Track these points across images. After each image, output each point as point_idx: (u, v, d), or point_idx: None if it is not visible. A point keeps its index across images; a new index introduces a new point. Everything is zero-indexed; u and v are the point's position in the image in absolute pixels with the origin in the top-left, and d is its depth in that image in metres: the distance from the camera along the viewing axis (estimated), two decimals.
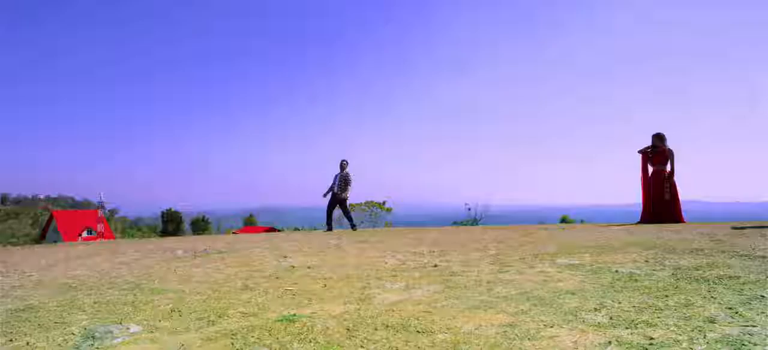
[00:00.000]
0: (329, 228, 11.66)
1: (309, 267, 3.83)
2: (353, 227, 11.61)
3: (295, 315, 2.08)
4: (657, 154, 8.62)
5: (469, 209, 20.28)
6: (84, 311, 2.42)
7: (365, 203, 32.96)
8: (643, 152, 8.89)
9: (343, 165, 11.91)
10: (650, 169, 8.73)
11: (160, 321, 2.14)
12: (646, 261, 3.70)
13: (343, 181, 11.85)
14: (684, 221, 8.14)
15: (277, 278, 3.28)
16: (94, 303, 2.61)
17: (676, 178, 8.45)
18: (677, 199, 8.36)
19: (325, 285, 2.93)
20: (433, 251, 4.94)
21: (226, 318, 2.14)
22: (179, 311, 2.30)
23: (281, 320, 2.02)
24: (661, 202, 8.38)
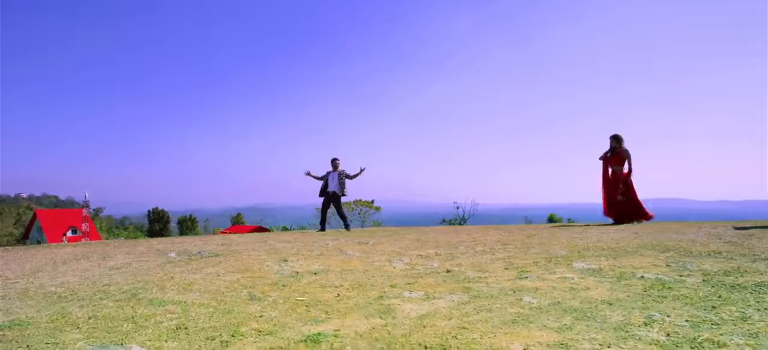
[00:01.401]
0: (323, 228, 11.44)
1: (314, 273, 3.63)
2: (347, 227, 11.40)
3: (319, 334, 1.87)
4: (614, 155, 8.66)
5: (458, 207, 20.12)
6: (78, 327, 2.19)
7: (354, 201, 32.82)
8: (603, 157, 8.87)
9: (336, 164, 11.69)
10: (609, 171, 8.77)
11: (165, 341, 1.92)
12: (668, 265, 3.56)
13: (341, 180, 11.63)
14: (650, 217, 8.19)
15: (283, 286, 3.07)
16: (89, 317, 2.38)
17: (633, 177, 8.49)
18: (634, 198, 8.38)
19: (338, 295, 2.72)
20: (440, 254, 4.76)
21: (240, 337, 1.93)
22: (185, 328, 2.08)
23: (304, 340, 1.81)
24: (616, 203, 8.44)
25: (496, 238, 6.39)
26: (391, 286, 2.97)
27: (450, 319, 2.09)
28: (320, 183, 11.65)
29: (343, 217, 11.69)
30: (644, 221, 8.04)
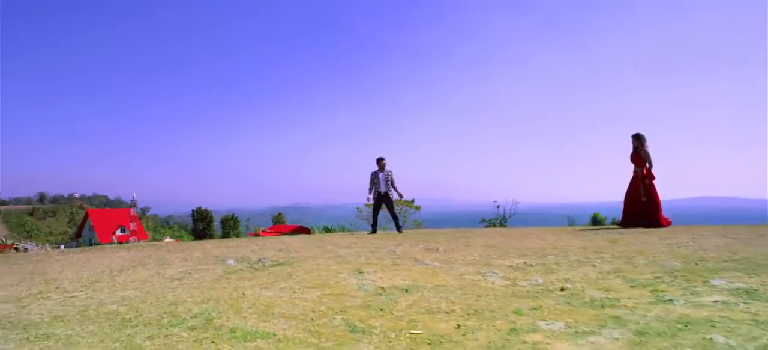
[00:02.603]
0: (374, 230, 10.99)
1: (405, 291, 3.10)
2: (399, 228, 10.89)
3: None
4: (634, 156, 8.38)
5: (498, 206, 19.29)
6: None
7: (395, 201, 32.28)
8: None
9: (382, 164, 11.23)
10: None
11: None
12: None
13: (388, 180, 11.16)
14: (667, 224, 7.80)
15: (380, 310, 2.56)
16: None
17: (655, 180, 8.17)
18: (655, 201, 8.02)
19: (458, 326, 2.19)
20: (532, 265, 4.16)
21: None
22: None
23: None
24: (638, 205, 8.10)
25: (578, 243, 5.71)
26: (515, 313, 2.41)
27: None
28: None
29: (395, 218, 11.20)
30: (656, 228, 7.50)
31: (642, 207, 8.02)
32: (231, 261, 5.03)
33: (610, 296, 2.84)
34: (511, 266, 4.15)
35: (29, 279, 4.53)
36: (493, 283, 3.36)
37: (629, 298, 2.77)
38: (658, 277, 3.43)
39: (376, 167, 11.38)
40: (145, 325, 2.44)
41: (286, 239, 8.85)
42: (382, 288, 3.23)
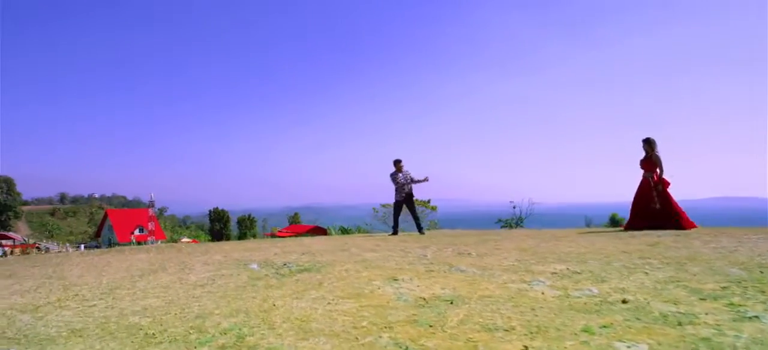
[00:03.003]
0: (395, 231, 10.75)
1: (450, 302, 2.83)
2: (421, 229, 10.63)
3: None
4: (645, 161, 8.24)
5: (514, 207, 18.94)
6: None
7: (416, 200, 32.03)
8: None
9: (400, 166, 11.00)
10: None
11: None
12: None
13: (409, 180, 10.93)
14: (691, 227, 7.51)
15: (429, 327, 2.29)
16: None
17: (669, 187, 7.98)
18: (674, 207, 7.76)
19: (526, 348, 1.91)
20: (577, 272, 3.85)
21: None
22: None
23: None
24: (651, 212, 7.84)
25: (616, 247, 5.36)
26: (585, 331, 2.12)
27: None
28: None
29: (416, 219, 10.95)
30: (683, 230, 7.26)
31: (656, 215, 7.74)
32: (254, 265, 4.81)
33: (681, 310, 2.53)
34: (555, 273, 3.84)
35: (48, 284, 4.37)
36: (543, 293, 3.07)
37: (706, 313, 2.46)
38: (725, 287, 3.11)
39: (393, 169, 11.14)
40: (170, 342, 2.21)
41: (306, 240, 8.64)
42: (424, 299, 2.96)
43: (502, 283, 3.48)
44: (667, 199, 7.83)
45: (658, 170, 8.03)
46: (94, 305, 3.27)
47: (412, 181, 10.91)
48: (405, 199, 10.84)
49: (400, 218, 11.06)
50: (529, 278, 3.64)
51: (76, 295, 3.69)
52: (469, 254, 5.23)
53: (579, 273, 3.82)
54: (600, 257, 4.64)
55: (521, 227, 17.92)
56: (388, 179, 11.08)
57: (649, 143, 8.17)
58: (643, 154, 8.29)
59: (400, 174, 10.91)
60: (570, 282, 3.46)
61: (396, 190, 10.97)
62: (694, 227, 7.53)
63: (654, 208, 7.79)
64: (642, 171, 8.27)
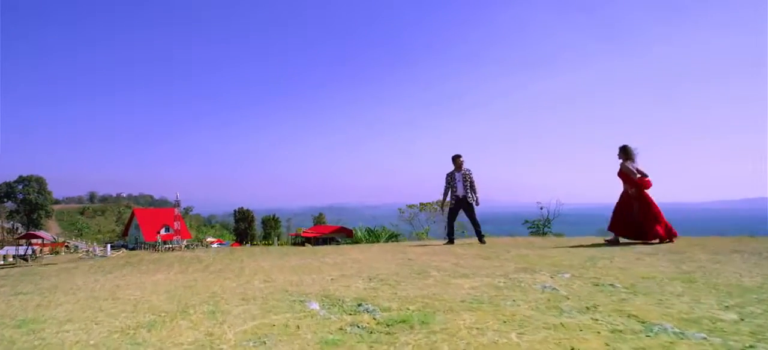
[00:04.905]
0: (451, 240, 9.19)
1: None
2: (482, 238, 9.04)
3: None
4: (619, 173, 7.79)
5: (541, 208, 17.35)
6: None
7: (437, 202, 30.66)
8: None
9: (459, 162, 9.37)
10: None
11: None
12: None
13: (467, 181, 9.31)
14: (669, 237, 7.13)
15: None
16: None
17: (641, 192, 7.47)
18: (652, 215, 7.24)
19: None
20: (707, 304, 2.22)
21: None
22: None
23: None
24: (631, 222, 7.42)
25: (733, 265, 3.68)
26: None
27: None
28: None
29: (476, 225, 9.34)
30: (658, 242, 7.03)
31: (637, 226, 7.33)
32: (315, 305, 3.30)
33: None
34: (691, 304, 2.22)
35: (20, 340, 2.93)
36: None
37: None
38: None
39: (452, 167, 9.54)
40: None
41: (358, 254, 7.06)
42: None
43: (667, 343, 1.88)
44: (645, 208, 7.33)
45: (632, 178, 7.54)
46: None
47: (471, 186, 9.30)
48: (461, 203, 9.25)
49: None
50: (689, 329, 2.03)
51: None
52: (612, 285, 3.62)
53: (701, 304, 2.18)
54: (705, 274, 2.97)
55: (549, 228, 16.43)
56: (442, 179, 9.53)
57: (622, 151, 7.76)
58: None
59: (458, 173, 9.31)
60: (714, 325, 1.84)
61: (447, 191, 9.43)
62: (676, 235, 7.17)
63: (636, 219, 7.34)
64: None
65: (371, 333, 2.59)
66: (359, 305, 3.27)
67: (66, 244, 62.80)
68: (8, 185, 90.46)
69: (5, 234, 76.31)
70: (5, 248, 47.02)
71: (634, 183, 7.52)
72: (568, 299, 3.26)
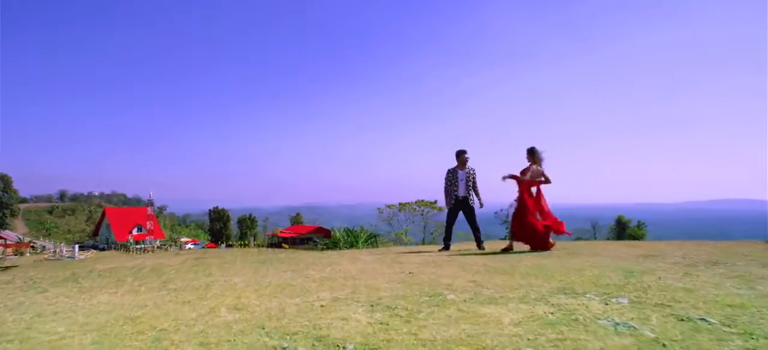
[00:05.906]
0: (447, 245, 8.28)
1: None
2: (481, 244, 8.15)
3: None
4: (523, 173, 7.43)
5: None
6: None
7: (416, 202, 30.14)
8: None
9: (463, 158, 8.43)
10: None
11: None
12: None
13: (470, 181, 8.38)
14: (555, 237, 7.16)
15: None
16: None
17: (527, 197, 7.28)
18: (528, 222, 7.06)
19: None
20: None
21: None
22: None
23: None
24: (530, 224, 7.13)
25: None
26: None
27: None
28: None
29: (475, 230, 8.43)
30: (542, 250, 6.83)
31: (536, 228, 7.04)
32: None
33: None
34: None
35: None
36: None
37: None
38: None
39: (455, 164, 8.60)
40: None
41: (343, 263, 5.99)
42: None
43: None
44: (522, 213, 7.18)
45: (529, 180, 7.27)
46: None
47: (474, 186, 8.39)
48: (461, 204, 8.32)
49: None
50: None
51: None
52: (704, 320, 2.69)
53: None
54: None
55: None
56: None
57: (528, 153, 7.39)
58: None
59: (461, 172, 8.37)
60: None
61: (448, 191, 8.47)
62: (554, 244, 7.02)
63: (534, 221, 7.10)
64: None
65: None
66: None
67: (32, 244, 59.94)
68: None
69: None
70: None
71: (523, 191, 7.28)
72: (665, 347, 2.31)
